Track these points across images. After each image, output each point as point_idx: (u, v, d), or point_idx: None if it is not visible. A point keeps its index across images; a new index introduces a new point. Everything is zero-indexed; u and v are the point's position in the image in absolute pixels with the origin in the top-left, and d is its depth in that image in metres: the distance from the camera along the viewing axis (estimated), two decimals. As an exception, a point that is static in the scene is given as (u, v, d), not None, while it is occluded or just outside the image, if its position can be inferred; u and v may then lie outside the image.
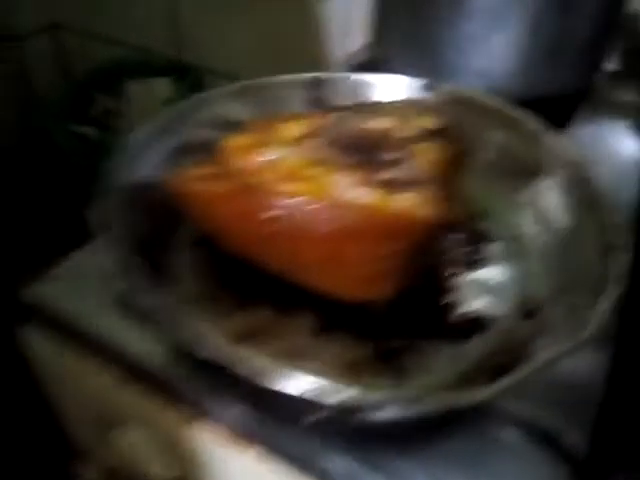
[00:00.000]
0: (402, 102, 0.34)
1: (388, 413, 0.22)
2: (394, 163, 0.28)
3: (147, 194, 0.35)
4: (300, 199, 0.27)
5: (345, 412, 0.23)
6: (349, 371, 0.29)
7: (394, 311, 0.31)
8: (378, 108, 0.31)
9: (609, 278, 0.28)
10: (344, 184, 0.27)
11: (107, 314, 0.35)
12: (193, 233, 0.35)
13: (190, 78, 1.00)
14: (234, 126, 0.39)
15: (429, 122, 0.29)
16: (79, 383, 0.39)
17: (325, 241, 0.27)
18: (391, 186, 0.27)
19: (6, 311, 0.39)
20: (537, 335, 0.30)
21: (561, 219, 0.34)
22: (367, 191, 0.27)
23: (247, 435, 0.31)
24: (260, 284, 0.32)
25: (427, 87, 0.41)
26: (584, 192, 0.33)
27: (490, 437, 0.29)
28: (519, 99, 0.43)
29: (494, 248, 0.36)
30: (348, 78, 0.40)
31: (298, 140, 0.30)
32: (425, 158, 0.28)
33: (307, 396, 0.22)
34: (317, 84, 0.38)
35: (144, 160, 0.36)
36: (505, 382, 0.23)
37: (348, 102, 0.39)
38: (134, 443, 0.38)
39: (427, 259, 0.30)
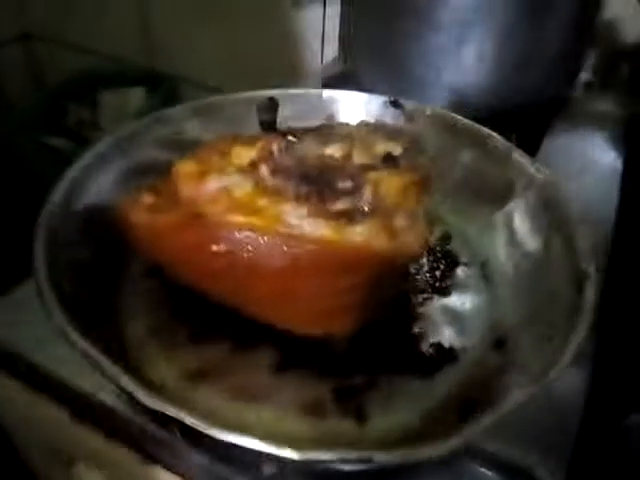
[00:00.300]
0: (362, 125, 0.32)
1: (351, 466, 0.21)
2: (349, 192, 0.26)
3: (96, 220, 0.33)
4: (251, 232, 0.25)
5: (306, 464, 0.21)
6: (308, 412, 0.27)
7: (356, 345, 0.29)
8: (335, 132, 0.29)
9: (581, 307, 0.27)
10: (296, 215, 0.25)
11: (54, 348, 0.33)
12: (144, 262, 0.34)
13: (163, 87, 0.98)
14: (190, 146, 0.38)
15: (389, 147, 0.28)
16: (30, 420, 0.37)
17: (278, 275, 0.25)
18: (345, 217, 0.25)
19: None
20: (507, 367, 0.28)
21: (531, 242, 0.33)
22: (320, 223, 0.25)
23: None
24: (215, 317, 0.30)
25: (392, 104, 0.40)
26: (555, 214, 0.32)
27: (461, 474, 0.28)
28: (490, 112, 0.42)
29: (462, 272, 0.35)
30: (318, 95, 0.39)
31: (249, 167, 0.28)
32: (383, 186, 0.26)
33: (263, 450, 0.20)
34: (274, 103, 0.37)
35: (96, 181, 0.34)
36: (474, 429, 0.21)
37: (311, 120, 0.38)
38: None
39: (389, 290, 0.28)
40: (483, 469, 0.28)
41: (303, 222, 0.25)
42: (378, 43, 0.52)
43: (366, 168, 0.27)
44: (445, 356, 0.30)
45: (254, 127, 0.38)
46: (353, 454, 0.20)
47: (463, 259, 0.35)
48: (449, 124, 0.38)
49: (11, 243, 1.05)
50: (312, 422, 0.27)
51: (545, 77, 0.51)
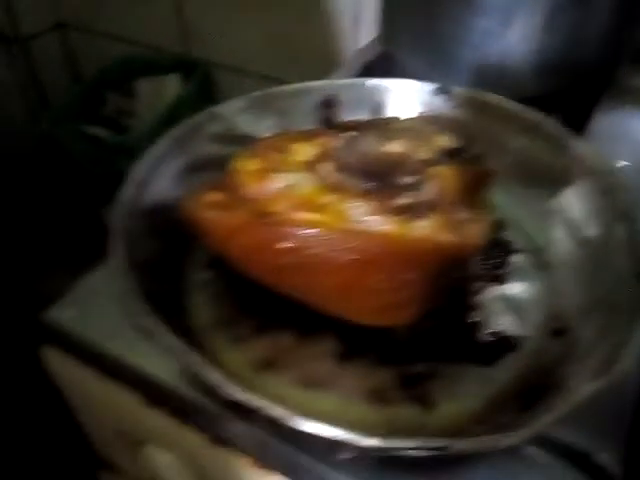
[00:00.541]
0: (418, 119, 0.33)
1: (419, 453, 0.22)
2: (411, 187, 0.27)
3: (160, 216, 0.34)
4: (316, 229, 0.26)
5: (375, 451, 0.22)
6: (373, 399, 0.28)
7: (417, 334, 0.30)
8: (393, 126, 0.29)
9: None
10: (360, 212, 0.26)
11: (125, 336, 0.34)
12: (207, 255, 0.35)
13: (199, 74, 0.99)
14: (243, 140, 0.39)
15: (447, 141, 0.28)
16: (100, 403, 0.39)
17: (343, 271, 0.26)
18: (409, 212, 0.26)
19: (29, 326, 0.39)
20: (567, 357, 0.29)
21: (590, 230, 0.33)
22: (384, 219, 0.26)
23: (271, 462, 0.31)
24: (279, 308, 0.31)
25: (440, 91, 0.40)
26: (616, 200, 0.32)
27: (522, 457, 0.28)
28: (536, 93, 0.42)
29: (519, 261, 0.35)
30: (362, 84, 0.39)
31: (310, 164, 0.29)
32: (444, 181, 0.26)
33: (337, 438, 0.21)
34: (335, 99, 0.37)
35: (157, 177, 0.35)
36: (544, 420, 0.22)
37: (358, 109, 0.38)
38: (159, 463, 0.38)
39: (450, 281, 0.29)
40: (543, 454, 0.28)
41: (367, 218, 0.26)
42: (420, 26, 0.51)
43: (428, 163, 0.27)
44: (505, 344, 0.30)
45: (304, 119, 0.39)
46: (434, 442, 0.21)
47: (517, 247, 0.35)
48: (500, 110, 0.38)
49: (55, 229, 1.08)
50: (378, 409, 0.28)
51: (592, 57, 0.50)
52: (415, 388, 0.29)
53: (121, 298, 0.35)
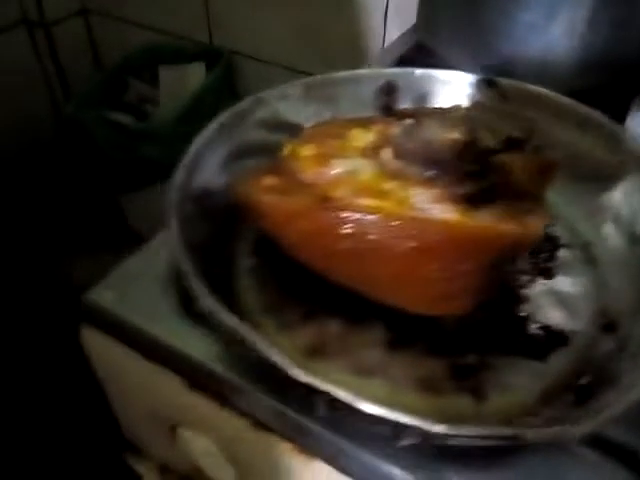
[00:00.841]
0: (477, 108, 0.32)
1: (487, 442, 0.21)
2: (474, 176, 0.26)
3: (208, 200, 0.34)
4: (378, 215, 0.25)
5: (442, 438, 0.22)
6: (424, 388, 0.28)
7: (467, 325, 0.30)
8: (453, 114, 0.29)
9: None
10: (422, 199, 0.26)
11: (166, 318, 0.34)
12: (253, 240, 0.35)
13: (223, 63, 0.99)
14: (292, 127, 0.38)
15: (510, 131, 0.28)
16: (137, 386, 0.39)
17: (403, 258, 0.26)
18: (472, 200, 0.26)
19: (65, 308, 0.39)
20: (619, 354, 0.28)
21: (640, 226, 0.33)
22: (446, 207, 0.25)
23: (312, 448, 0.31)
24: (326, 295, 0.31)
25: (488, 83, 0.39)
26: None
27: (572, 454, 0.28)
28: (577, 87, 0.41)
29: (565, 255, 0.35)
30: (412, 74, 0.39)
31: (369, 151, 0.28)
32: (509, 170, 0.26)
33: (405, 424, 0.21)
34: (393, 85, 0.37)
35: (205, 163, 0.35)
36: (606, 414, 0.22)
37: (409, 99, 0.38)
38: (194, 447, 0.38)
39: (503, 273, 0.29)
40: (592, 452, 0.28)
41: (429, 206, 0.26)
42: (461, 17, 0.51)
43: (491, 151, 0.27)
44: (556, 339, 0.30)
45: (352, 107, 0.38)
46: (504, 431, 0.20)
47: (565, 241, 0.35)
48: (549, 103, 0.38)
49: (75, 215, 1.09)
50: (429, 398, 0.28)
51: (634, 52, 0.49)
52: (466, 379, 0.28)
53: (167, 281, 0.35)
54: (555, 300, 0.32)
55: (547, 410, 0.27)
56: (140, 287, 0.37)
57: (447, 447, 0.26)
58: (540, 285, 0.33)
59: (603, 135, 0.35)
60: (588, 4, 0.47)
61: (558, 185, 0.36)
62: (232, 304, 0.32)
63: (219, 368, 0.32)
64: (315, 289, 0.31)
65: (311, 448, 0.31)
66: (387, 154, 0.28)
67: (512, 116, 0.31)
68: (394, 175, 0.27)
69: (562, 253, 0.34)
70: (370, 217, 0.25)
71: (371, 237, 0.26)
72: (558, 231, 0.35)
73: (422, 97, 0.39)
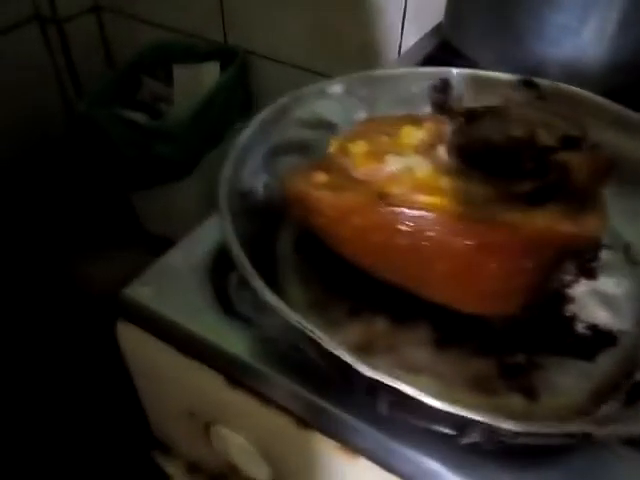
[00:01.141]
0: (532, 105, 0.32)
1: (557, 441, 0.21)
2: (533, 174, 0.26)
3: (252, 196, 0.34)
4: (436, 212, 0.25)
5: (501, 435, 0.22)
6: (475, 387, 0.28)
7: (514, 325, 0.30)
8: (507, 112, 0.29)
9: None
10: (481, 197, 0.26)
11: (206, 314, 0.34)
12: (295, 237, 0.35)
13: (237, 63, 0.98)
14: (331, 126, 0.38)
15: (568, 129, 0.28)
16: (172, 383, 0.39)
17: (461, 256, 0.26)
18: (531, 199, 0.26)
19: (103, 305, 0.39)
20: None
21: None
22: (504, 205, 0.25)
23: (356, 447, 0.31)
24: (372, 292, 0.31)
25: (525, 84, 0.39)
26: None
27: (613, 452, 0.28)
28: (606, 89, 0.41)
29: (607, 256, 0.34)
30: (449, 72, 0.39)
31: (422, 148, 0.28)
32: (569, 169, 0.26)
33: (474, 419, 0.21)
34: (447, 83, 0.36)
35: (248, 160, 0.35)
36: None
37: (449, 98, 0.38)
38: (231, 445, 0.38)
39: (556, 272, 0.29)
40: (629, 448, 0.28)
41: (489, 204, 0.25)
42: (492, 18, 0.51)
43: (549, 150, 0.27)
44: (603, 338, 0.30)
45: (388, 106, 0.38)
46: (575, 427, 0.20)
47: (606, 242, 0.35)
48: (586, 103, 0.38)
49: (87, 212, 1.08)
50: (480, 397, 0.28)
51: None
52: (517, 378, 0.28)
53: (204, 277, 0.35)
54: (600, 300, 0.32)
55: (598, 410, 0.27)
56: (177, 283, 0.37)
57: (500, 447, 0.26)
58: (583, 285, 0.33)
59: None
60: (619, 6, 0.47)
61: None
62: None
63: (260, 364, 0.32)
64: (360, 286, 0.31)
65: (357, 446, 0.31)
66: (442, 151, 0.28)
67: (560, 115, 0.31)
68: (450, 172, 0.27)
69: (604, 254, 0.34)
70: (429, 214, 0.25)
71: (429, 234, 0.26)
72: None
73: (460, 96, 0.39)
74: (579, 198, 0.26)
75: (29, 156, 1.10)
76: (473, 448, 0.26)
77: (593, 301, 0.32)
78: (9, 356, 0.86)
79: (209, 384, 0.35)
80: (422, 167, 0.27)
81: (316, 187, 0.28)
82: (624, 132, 0.36)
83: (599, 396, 0.28)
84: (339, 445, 0.31)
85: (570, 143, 0.27)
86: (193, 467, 0.46)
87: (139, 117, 0.99)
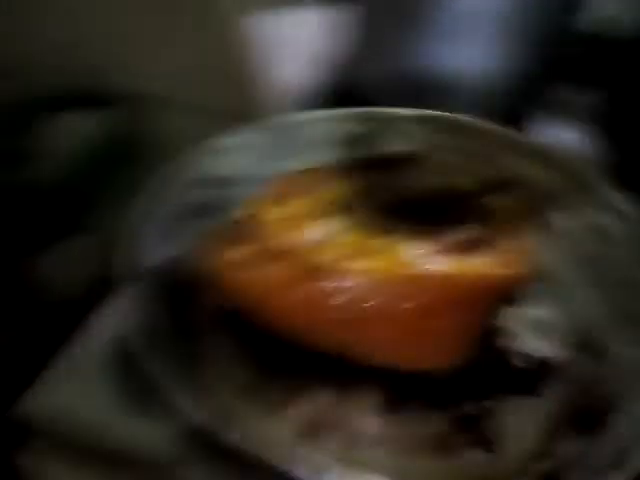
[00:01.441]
0: (447, 149, 0.32)
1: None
2: (459, 221, 0.26)
3: (154, 273, 0.30)
4: (372, 279, 0.24)
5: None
6: (436, 449, 0.27)
7: (457, 372, 0.29)
8: (425, 159, 0.28)
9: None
10: (416, 254, 0.24)
11: (115, 416, 0.30)
12: (216, 316, 0.31)
13: (114, 109, 0.92)
14: (237, 182, 0.36)
15: (487, 172, 0.27)
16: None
17: (404, 319, 0.24)
18: (464, 248, 0.25)
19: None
20: (610, 375, 0.29)
21: (589, 246, 0.34)
22: (441, 258, 0.24)
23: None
24: (312, 363, 0.29)
25: (426, 120, 0.39)
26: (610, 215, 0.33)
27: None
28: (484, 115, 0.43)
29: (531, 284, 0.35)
30: (347, 115, 0.38)
31: (343, 206, 0.27)
32: (494, 212, 0.26)
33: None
34: (356, 128, 0.35)
35: (146, 233, 0.31)
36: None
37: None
38: None
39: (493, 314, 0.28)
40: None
41: (423, 260, 0.24)
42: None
43: (471, 195, 0.26)
44: (543, 369, 0.30)
45: (293, 156, 0.37)
46: None
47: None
48: (483, 133, 0.39)
49: None
50: (442, 459, 0.26)
51: (528, 76, 0.53)
52: (473, 431, 0.27)
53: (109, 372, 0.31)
54: (531, 328, 0.32)
55: (558, 447, 0.27)
56: (77, 387, 0.32)
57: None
58: (509, 314, 0.33)
59: (542, 159, 0.36)
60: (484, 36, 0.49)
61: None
62: (202, 390, 0.29)
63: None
64: (298, 360, 0.28)
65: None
66: (365, 208, 0.26)
67: (478, 157, 0.31)
68: (379, 231, 0.25)
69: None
70: (365, 283, 0.24)
71: (368, 304, 0.24)
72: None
73: (366, 138, 0.38)
74: (505, 241, 0.26)
75: None
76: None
77: (525, 330, 0.32)
78: None
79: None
80: (349, 229, 0.25)
81: (234, 266, 0.25)
82: (524, 158, 0.37)
83: (555, 431, 0.27)
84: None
85: (491, 186, 0.27)
86: None
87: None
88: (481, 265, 0.24)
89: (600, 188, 0.34)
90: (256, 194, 0.30)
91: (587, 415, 0.27)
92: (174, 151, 0.35)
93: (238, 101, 0.80)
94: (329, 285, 0.24)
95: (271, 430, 0.27)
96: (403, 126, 0.39)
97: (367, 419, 0.28)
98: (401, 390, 0.28)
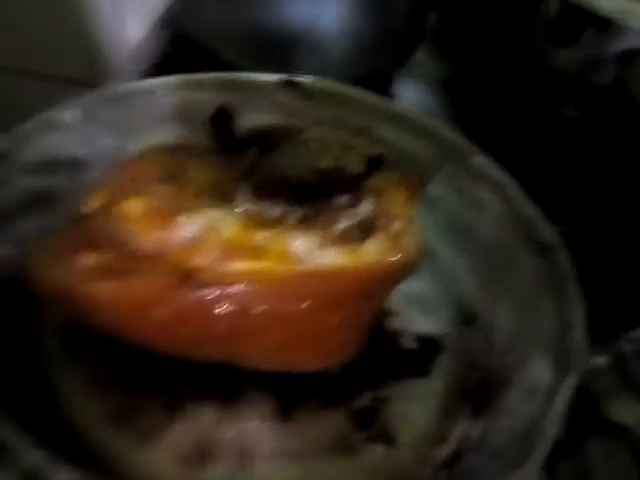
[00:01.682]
0: (328, 125, 0.29)
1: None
2: (348, 206, 0.23)
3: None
4: (260, 281, 0.20)
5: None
6: (336, 451, 0.25)
7: (351, 364, 0.27)
8: (303, 137, 0.25)
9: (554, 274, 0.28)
10: (305, 247, 0.21)
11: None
12: (64, 333, 0.26)
13: None
14: (74, 165, 0.30)
15: (368, 150, 0.25)
16: None
17: (298, 321, 0.22)
18: (353, 236, 0.23)
19: None
20: (493, 345, 0.29)
21: (466, 216, 0.34)
22: (332, 250, 0.22)
23: None
24: (191, 376, 0.25)
25: (290, 84, 0.36)
26: (484, 184, 0.33)
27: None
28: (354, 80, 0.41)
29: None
30: (198, 82, 0.33)
31: (218, 194, 0.23)
32: (384, 195, 0.24)
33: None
34: (228, 111, 0.30)
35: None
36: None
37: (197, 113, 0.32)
38: None
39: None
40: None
41: (315, 253, 0.21)
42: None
43: (360, 177, 0.24)
44: (430, 347, 0.30)
45: (138, 130, 0.31)
46: None
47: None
48: (353, 100, 0.36)
49: None
50: (343, 460, 0.25)
51: (396, 41, 0.52)
52: (372, 425, 0.26)
53: None
54: (414, 304, 0.32)
55: (455, 430, 0.26)
56: None
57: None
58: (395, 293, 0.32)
59: (417, 129, 0.35)
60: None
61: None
62: (60, 424, 0.24)
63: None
64: (176, 374, 0.24)
65: None
66: (244, 196, 0.22)
67: (355, 128, 0.29)
68: (262, 222, 0.22)
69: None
70: (252, 287, 0.20)
71: (257, 310, 0.21)
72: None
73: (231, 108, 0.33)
74: (396, 223, 0.24)
75: None
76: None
77: (408, 306, 0.32)
78: None
79: None
80: (227, 222, 0.21)
81: (87, 276, 0.20)
82: (397, 127, 0.35)
83: (449, 412, 0.27)
84: None
85: (374, 164, 0.24)
86: None
87: None
88: (375, 253, 0.22)
89: (472, 156, 0.34)
90: (106, 181, 0.25)
91: (479, 390, 0.27)
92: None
93: (83, 67, 0.69)
94: (209, 293, 0.20)
95: (148, 460, 0.23)
96: (270, 94, 0.35)
97: (259, 430, 0.25)
98: (293, 394, 0.26)
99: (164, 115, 0.33)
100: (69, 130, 0.30)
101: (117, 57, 0.71)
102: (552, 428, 0.22)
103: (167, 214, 0.21)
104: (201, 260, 0.20)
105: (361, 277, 0.22)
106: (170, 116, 0.33)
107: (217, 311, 0.20)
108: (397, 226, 0.24)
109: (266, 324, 0.21)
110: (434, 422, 0.27)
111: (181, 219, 0.21)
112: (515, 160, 0.34)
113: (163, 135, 0.32)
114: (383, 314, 0.30)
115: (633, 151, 0.38)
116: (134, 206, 0.22)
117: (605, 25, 0.40)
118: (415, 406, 0.27)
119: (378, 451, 0.25)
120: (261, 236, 0.21)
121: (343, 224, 0.23)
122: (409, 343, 0.30)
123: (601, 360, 0.31)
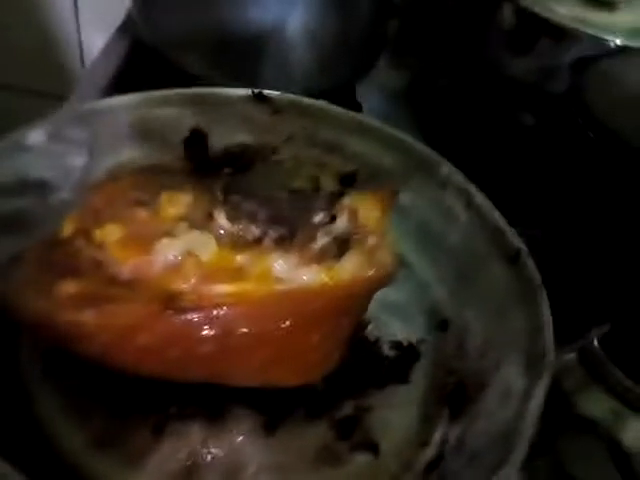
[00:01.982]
0: (296, 145, 0.29)
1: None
2: (324, 224, 0.24)
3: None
4: (241, 303, 0.21)
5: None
6: (320, 463, 0.25)
7: (332, 375, 0.28)
8: (276, 157, 0.25)
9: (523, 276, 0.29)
10: (285, 267, 0.22)
11: None
12: (44, 359, 0.25)
13: None
14: (43, 186, 0.30)
15: (340, 166, 0.25)
16: None
17: (281, 340, 0.22)
18: (330, 253, 0.23)
19: None
20: (464, 347, 0.30)
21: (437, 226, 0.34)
22: (312, 268, 0.22)
23: None
24: (175, 397, 0.25)
25: (260, 98, 0.36)
26: (453, 191, 0.34)
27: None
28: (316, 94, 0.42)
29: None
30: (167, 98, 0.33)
31: (194, 218, 0.23)
32: (359, 211, 0.24)
33: None
34: (202, 134, 0.30)
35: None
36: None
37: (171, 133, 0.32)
38: None
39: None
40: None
41: (296, 273, 0.22)
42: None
43: (332, 195, 0.24)
44: (408, 354, 0.30)
45: (110, 148, 0.31)
46: None
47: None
48: (322, 114, 0.37)
49: None
50: (328, 472, 0.25)
51: (357, 53, 0.52)
52: (354, 434, 0.26)
53: None
54: (390, 312, 0.32)
55: (435, 434, 0.27)
56: None
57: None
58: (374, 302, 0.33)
59: (387, 141, 0.36)
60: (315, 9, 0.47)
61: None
62: (45, 449, 0.23)
63: None
64: (160, 395, 0.25)
65: None
66: (221, 219, 0.23)
67: (326, 144, 0.29)
68: (239, 243, 0.22)
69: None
70: (234, 310, 0.21)
71: (241, 331, 0.21)
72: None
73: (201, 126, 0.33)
74: (370, 238, 0.25)
75: None
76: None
77: (385, 314, 0.32)
78: None
79: None
80: (205, 246, 0.22)
81: (69, 304, 0.20)
82: (366, 139, 0.36)
83: (429, 418, 0.28)
84: None
85: (347, 180, 0.25)
86: None
87: None
88: (352, 269, 0.23)
89: (440, 166, 0.35)
90: (79, 204, 0.25)
91: (456, 395, 0.28)
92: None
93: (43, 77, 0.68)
94: (192, 317, 0.20)
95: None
96: (239, 109, 0.36)
97: (246, 446, 0.25)
98: (277, 408, 0.26)
99: (131, 133, 0.33)
100: (36, 150, 0.29)
101: (77, 67, 0.70)
102: (528, 429, 0.22)
103: (145, 239, 0.21)
104: (182, 284, 0.20)
105: (339, 294, 0.23)
106: (137, 133, 0.33)
107: (201, 334, 0.20)
108: (372, 241, 0.24)
109: (250, 344, 0.22)
110: (415, 428, 0.27)
111: (159, 243, 0.21)
112: (475, 167, 0.35)
113: (131, 153, 0.32)
114: (361, 323, 0.31)
115: (588, 156, 0.40)
116: (111, 232, 0.22)
117: (560, 34, 0.42)
118: (396, 413, 0.28)
119: (363, 459, 0.26)
120: (240, 258, 0.22)
121: (320, 242, 0.23)
122: (387, 351, 0.31)
123: (569, 357, 0.33)
